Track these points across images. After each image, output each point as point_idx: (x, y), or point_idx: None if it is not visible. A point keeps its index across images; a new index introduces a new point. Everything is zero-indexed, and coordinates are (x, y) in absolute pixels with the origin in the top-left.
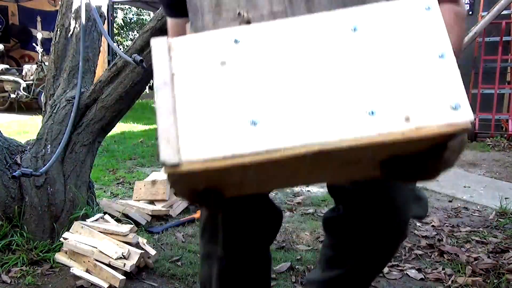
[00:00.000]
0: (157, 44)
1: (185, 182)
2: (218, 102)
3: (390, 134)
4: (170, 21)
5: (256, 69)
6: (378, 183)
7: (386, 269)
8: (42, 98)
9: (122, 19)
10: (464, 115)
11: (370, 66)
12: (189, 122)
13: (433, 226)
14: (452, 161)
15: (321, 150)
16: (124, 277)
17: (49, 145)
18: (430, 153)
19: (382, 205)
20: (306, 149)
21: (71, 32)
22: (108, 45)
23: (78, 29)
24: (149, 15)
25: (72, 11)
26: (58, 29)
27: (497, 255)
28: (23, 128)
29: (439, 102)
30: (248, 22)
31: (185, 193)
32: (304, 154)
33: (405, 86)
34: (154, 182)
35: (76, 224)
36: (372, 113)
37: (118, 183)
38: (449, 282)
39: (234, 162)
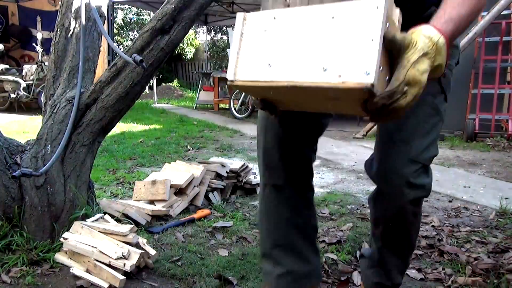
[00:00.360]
0: (239, 15)
1: (246, 92)
2: (258, 51)
3: (328, 83)
4: None
5: (279, 35)
6: (388, 164)
7: None
8: (42, 98)
9: (122, 19)
10: (370, 79)
11: (333, 41)
12: (243, 61)
13: (433, 226)
14: (390, 106)
15: (293, 86)
16: (124, 277)
17: (49, 145)
18: (369, 100)
19: (391, 177)
20: (286, 84)
21: (71, 32)
22: (108, 45)
23: (78, 29)
24: (149, 15)
25: (72, 11)
26: (58, 29)
27: (497, 255)
28: (23, 128)
29: (359, 68)
30: (288, 5)
31: (254, 99)
32: (286, 87)
33: (347, 55)
34: (154, 182)
35: (76, 224)
36: (324, 69)
37: (118, 183)
38: (449, 282)
39: (254, 85)
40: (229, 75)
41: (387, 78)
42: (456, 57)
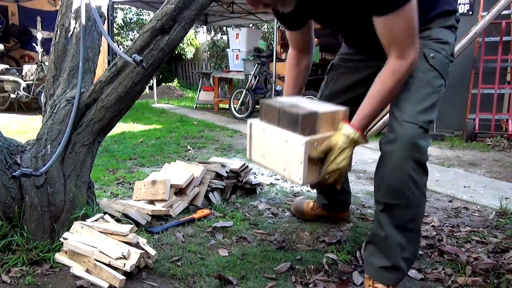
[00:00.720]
0: (249, 122)
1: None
2: (258, 147)
3: (286, 176)
4: (289, 32)
5: (266, 140)
6: (389, 128)
7: None
8: (42, 98)
9: (122, 19)
10: (301, 181)
11: (287, 154)
12: (252, 150)
13: (433, 226)
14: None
15: (272, 170)
16: (124, 277)
17: (49, 145)
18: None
19: (389, 137)
20: (270, 169)
21: (71, 32)
22: (108, 45)
23: (78, 29)
24: (149, 15)
25: (72, 11)
26: (58, 29)
27: (497, 255)
28: (23, 128)
29: (297, 175)
30: (269, 121)
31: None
32: (270, 169)
33: (293, 165)
34: (154, 182)
35: (76, 224)
36: (284, 169)
37: (118, 183)
38: (449, 282)
39: (257, 163)
40: (248, 155)
41: (321, 169)
42: (448, 50)
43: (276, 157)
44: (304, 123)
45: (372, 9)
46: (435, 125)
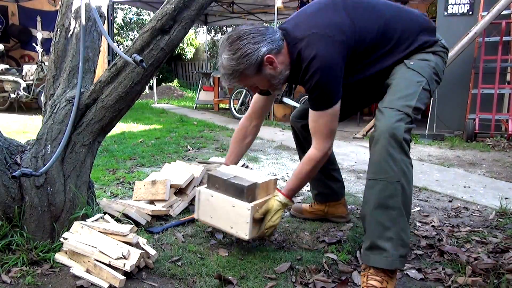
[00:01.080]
0: (198, 189)
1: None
2: (207, 209)
3: (233, 234)
4: (259, 97)
5: (214, 204)
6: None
7: None
8: (42, 98)
9: (122, 19)
10: (246, 237)
11: (235, 215)
12: (201, 211)
13: (433, 226)
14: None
15: (219, 229)
16: (124, 277)
17: (49, 145)
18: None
19: (375, 123)
20: (218, 227)
21: (71, 32)
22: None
23: (78, 29)
24: (149, 15)
25: (72, 11)
26: (58, 29)
27: (497, 255)
28: (23, 128)
29: (243, 232)
30: (217, 189)
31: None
32: (218, 228)
33: (240, 224)
34: (154, 182)
35: (76, 224)
36: (231, 227)
37: (118, 183)
38: (449, 282)
39: (205, 222)
40: (195, 215)
41: (260, 226)
42: (429, 64)
43: (224, 218)
44: (248, 192)
45: (310, 104)
46: (435, 125)
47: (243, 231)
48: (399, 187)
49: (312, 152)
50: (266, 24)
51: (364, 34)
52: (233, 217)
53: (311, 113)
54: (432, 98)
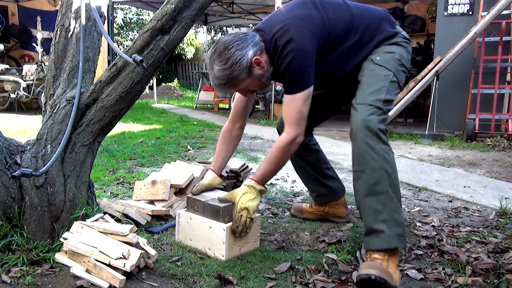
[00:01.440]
0: (177, 212)
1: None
2: (186, 231)
3: (211, 255)
4: (240, 98)
5: (194, 225)
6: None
7: None
8: (42, 98)
9: (122, 19)
10: (223, 258)
11: (213, 237)
12: (180, 234)
13: (433, 226)
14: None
15: (199, 251)
16: (124, 277)
17: (49, 145)
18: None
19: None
20: (198, 249)
21: (71, 32)
22: (108, 45)
23: (78, 29)
24: (149, 15)
25: (72, 11)
26: (58, 29)
27: (497, 255)
28: (23, 128)
29: (219, 249)
30: (196, 211)
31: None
32: (197, 249)
33: (218, 243)
34: (154, 182)
35: (76, 224)
36: (209, 249)
37: (118, 183)
38: (449, 282)
39: (185, 244)
40: (176, 238)
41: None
42: (394, 56)
43: (202, 239)
44: (224, 213)
45: (284, 90)
46: (435, 125)
47: (220, 251)
48: (384, 173)
49: (283, 136)
50: (245, 29)
51: (333, 26)
52: (210, 238)
53: (285, 98)
54: (432, 98)
